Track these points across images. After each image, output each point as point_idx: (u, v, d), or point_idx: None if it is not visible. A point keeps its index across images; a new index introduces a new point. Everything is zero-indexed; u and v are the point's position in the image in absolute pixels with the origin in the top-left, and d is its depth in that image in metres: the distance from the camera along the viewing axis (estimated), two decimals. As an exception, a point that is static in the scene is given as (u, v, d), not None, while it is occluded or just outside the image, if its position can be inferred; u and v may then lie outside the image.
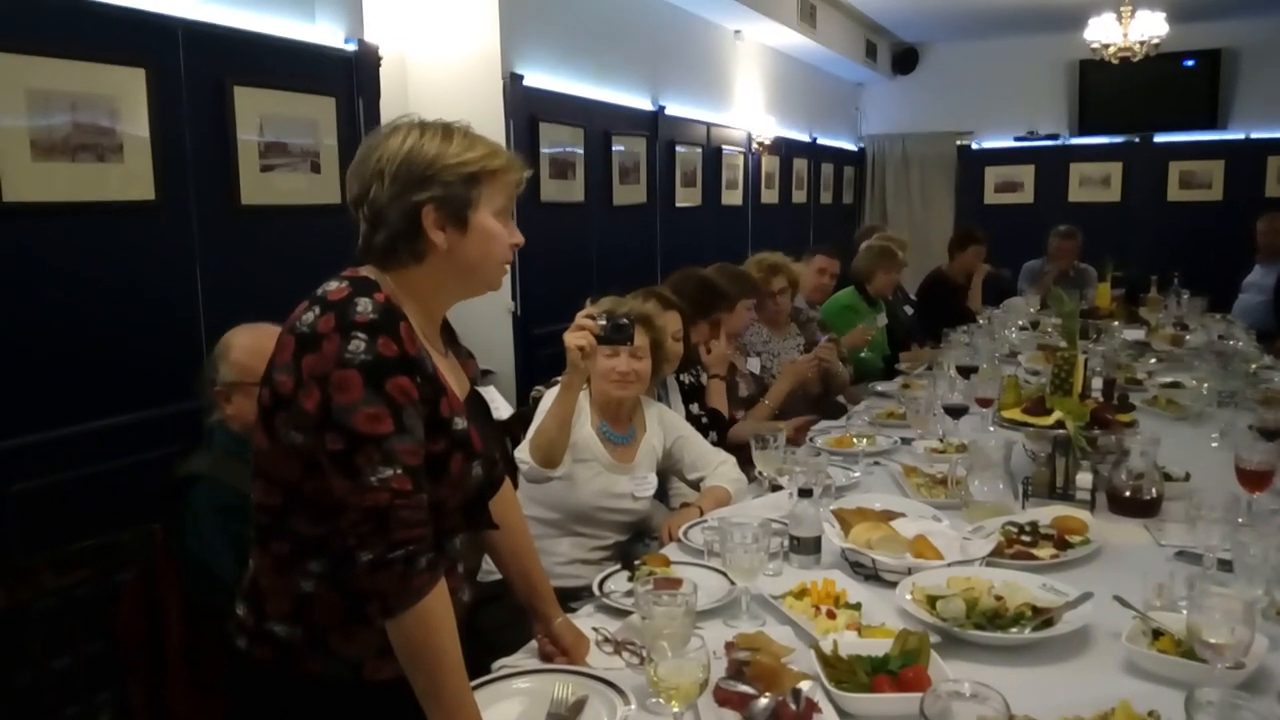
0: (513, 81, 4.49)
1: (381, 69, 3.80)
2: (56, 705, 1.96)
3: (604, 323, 2.10)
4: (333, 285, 1.40)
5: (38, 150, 2.62)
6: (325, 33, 3.58)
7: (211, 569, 1.94)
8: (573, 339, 2.09)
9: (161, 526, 2.05)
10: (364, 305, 1.34)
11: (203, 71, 3.09)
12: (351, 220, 1.48)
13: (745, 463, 2.64)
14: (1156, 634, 1.62)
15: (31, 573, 1.89)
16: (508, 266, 1.54)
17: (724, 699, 1.43)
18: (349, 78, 3.65)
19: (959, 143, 9.38)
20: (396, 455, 1.31)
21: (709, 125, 6.62)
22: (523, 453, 2.32)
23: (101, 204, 2.81)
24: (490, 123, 4.29)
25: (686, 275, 3.39)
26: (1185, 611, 1.55)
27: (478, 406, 1.62)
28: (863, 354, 4.58)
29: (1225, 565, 1.80)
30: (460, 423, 1.44)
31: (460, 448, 1.44)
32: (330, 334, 1.32)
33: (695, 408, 3.13)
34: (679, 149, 6.19)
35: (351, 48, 3.67)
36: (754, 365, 3.75)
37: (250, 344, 2.10)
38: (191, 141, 3.06)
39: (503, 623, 1.99)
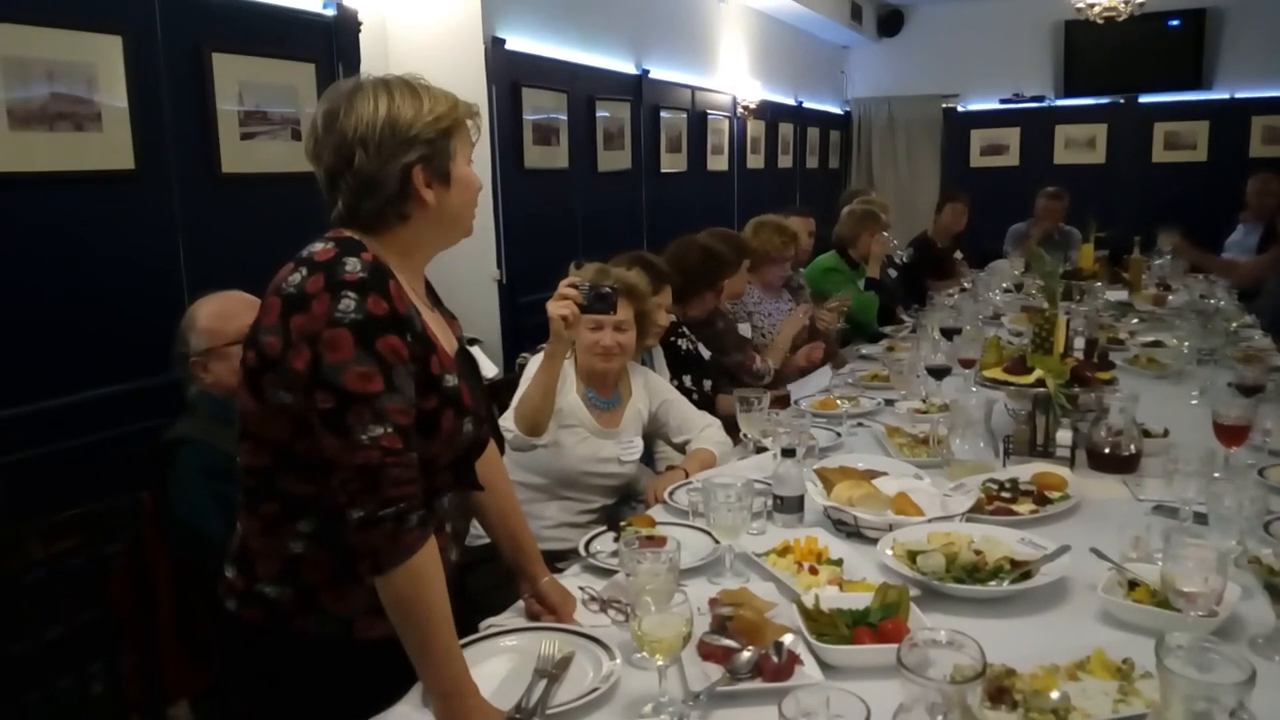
0: (494, 46, 4.44)
1: (361, 34, 3.75)
2: (50, 675, 1.97)
3: (587, 290, 2.09)
4: (318, 246, 1.40)
5: (15, 120, 2.60)
6: (304, -3, 3.54)
7: (200, 531, 1.96)
8: (555, 308, 2.08)
9: (149, 494, 2.06)
10: (352, 264, 1.35)
11: (180, 38, 3.06)
12: None
13: (731, 429, 2.66)
14: (1132, 585, 1.64)
15: (18, 541, 1.89)
16: None
17: (707, 653, 1.46)
18: (329, 43, 3.61)
19: (945, 105, 9.34)
20: (387, 414, 1.32)
21: (694, 89, 6.57)
22: (508, 421, 2.33)
23: (81, 174, 2.78)
24: (472, 88, 4.24)
25: (688, 247, 3.37)
26: (1160, 563, 1.57)
27: (467, 364, 1.63)
28: (840, 325, 4.56)
29: (1201, 519, 1.83)
30: (451, 379, 1.46)
31: (451, 404, 1.45)
32: (319, 294, 1.33)
33: (688, 379, 3.13)
34: (664, 114, 6.15)
35: (331, 12, 3.63)
36: (745, 330, 3.78)
37: (214, 309, 2.16)
38: (170, 110, 3.04)
39: (491, 585, 2.01)
